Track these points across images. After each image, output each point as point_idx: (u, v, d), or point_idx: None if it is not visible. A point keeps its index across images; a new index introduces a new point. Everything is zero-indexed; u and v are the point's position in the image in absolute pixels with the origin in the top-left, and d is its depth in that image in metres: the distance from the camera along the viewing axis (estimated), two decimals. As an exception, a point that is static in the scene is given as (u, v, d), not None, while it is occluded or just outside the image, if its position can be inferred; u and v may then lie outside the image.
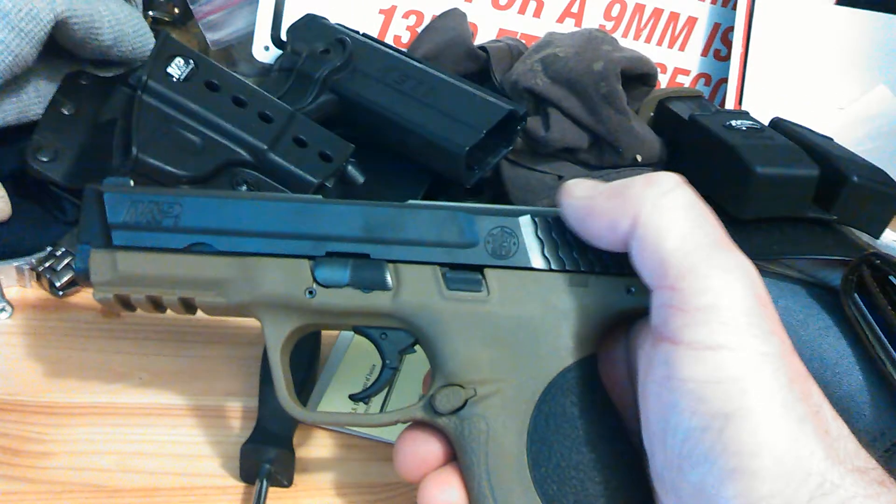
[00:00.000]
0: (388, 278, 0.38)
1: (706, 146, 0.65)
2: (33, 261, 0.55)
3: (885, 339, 0.48)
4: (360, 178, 0.64)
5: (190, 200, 0.40)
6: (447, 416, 0.37)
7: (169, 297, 0.40)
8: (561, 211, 0.37)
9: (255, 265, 0.39)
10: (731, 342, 0.30)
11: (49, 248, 0.56)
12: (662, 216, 0.33)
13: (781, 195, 0.60)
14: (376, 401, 0.49)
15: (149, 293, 0.40)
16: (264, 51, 0.75)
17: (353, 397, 0.41)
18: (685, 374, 0.31)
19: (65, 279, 0.54)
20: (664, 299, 0.32)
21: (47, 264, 0.55)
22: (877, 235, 0.61)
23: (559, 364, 0.37)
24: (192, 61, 0.57)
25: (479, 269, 0.38)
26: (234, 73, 0.59)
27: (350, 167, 0.62)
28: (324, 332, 0.52)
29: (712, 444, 0.30)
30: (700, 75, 0.85)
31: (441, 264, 0.38)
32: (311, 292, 0.39)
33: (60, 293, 0.54)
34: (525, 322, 0.37)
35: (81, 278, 0.40)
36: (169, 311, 0.41)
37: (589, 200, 0.35)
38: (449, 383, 0.37)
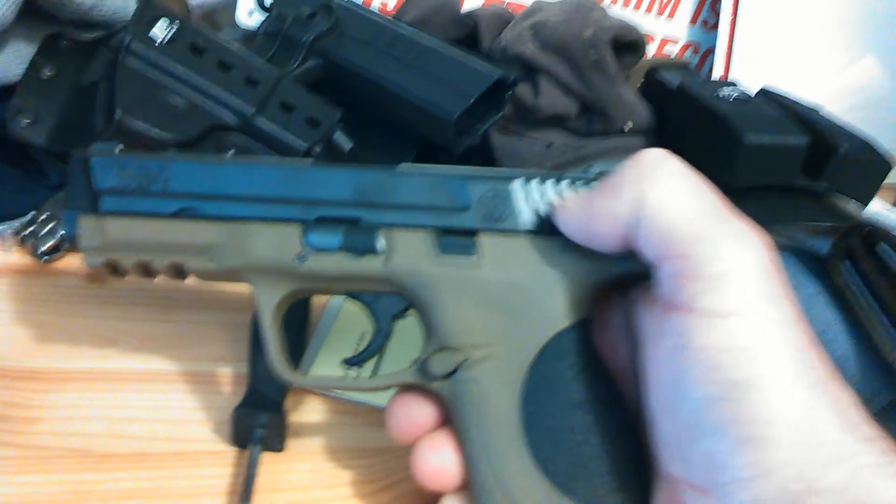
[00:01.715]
0: (380, 243, 0.38)
1: (695, 115, 0.65)
2: (16, 226, 0.54)
3: (876, 305, 0.48)
4: (348, 145, 0.63)
5: (178, 165, 0.39)
6: (440, 380, 0.37)
7: (159, 263, 0.39)
8: (560, 226, 0.36)
9: (245, 230, 0.39)
10: (742, 309, 0.30)
11: (32, 213, 0.55)
12: (661, 189, 0.33)
13: (770, 164, 0.60)
14: (368, 366, 0.49)
15: (139, 258, 0.39)
16: (248, 15, 0.74)
17: (346, 361, 0.41)
18: (699, 342, 0.31)
19: (48, 244, 0.53)
20: (674, 269, 0.32)
21: (30, 229, 0.54)
22: (864, 204, 0.62)
23: (552, 328, 0.36)
24: (176, 23, 0.55)
25: (472, 233, 0.38)
26: (220, 36, 0.58)
27: (337, 133, 0.62)
28: (314, 298, 0.52)
29: (725, 413, 0.30)
30: (688, 45, 0.85)
31: (433, 228, 0.38)
32: (301, 257, 0.38)
33: (45, 258, 0.53)
34: (518, 286, 0.37)
35: (74, 244, 0.40)
36: (159, 277, 0.40)
37: (586, 208, 0.35)
38: (441, 347, 0.37)
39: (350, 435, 0.46)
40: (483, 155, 0.69)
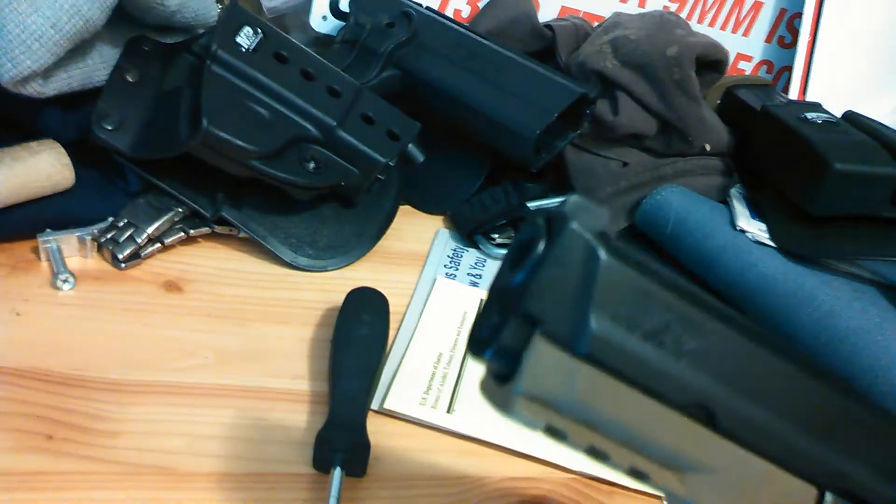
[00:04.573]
0: None
1: (780, 138, 0.63)
2: (95, 231, 0.54)
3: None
4: (420, 157, 0.62)
5: (711, 324, 0.26)
6: None
7: (617, 456, 0.26)
8: None
9: (761, 468, 0.29)
10: None
11: (111, 219, 0.54)
12: None
13: (858, 193, 0.59)
14: (443, 401, 0.48)
15: (592, 435, 0.26)
16: (322, 20, 0.73)
17: None
18: None
19: (127, 251, 0.53)
20: None
21: (109, 235, 0.53)
22: (955, 238, 0.60)
23: None
24: (260, 31, 0.55)
25: None
26: (303, 45, 0.57)
27: (411, 145, 0.61)
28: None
29: None
30: (762, 62, 0.83)
31: None
32: None
33: (123, 265, 0.53)
34: None
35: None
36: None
37: None
38: None
39: (429, 461, 0.45)
40: (556, 171, 0.68)
